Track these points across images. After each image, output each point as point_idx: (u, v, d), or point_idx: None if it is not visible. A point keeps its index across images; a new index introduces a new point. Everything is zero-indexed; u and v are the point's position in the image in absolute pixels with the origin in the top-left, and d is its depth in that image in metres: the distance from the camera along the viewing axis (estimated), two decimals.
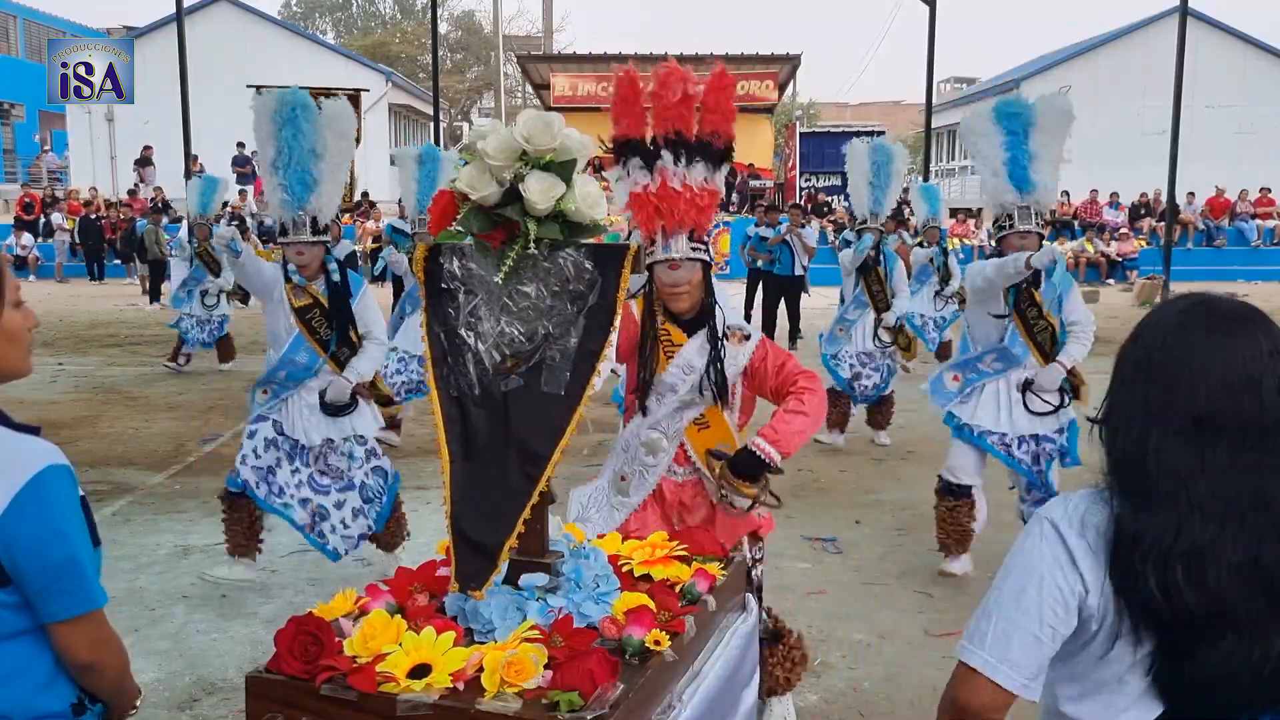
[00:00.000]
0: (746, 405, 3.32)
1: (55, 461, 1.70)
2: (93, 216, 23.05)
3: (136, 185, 25.48)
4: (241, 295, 12.93)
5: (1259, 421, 1.48)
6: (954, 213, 22.32)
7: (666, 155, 2.98)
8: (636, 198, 3.05)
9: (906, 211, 16.92)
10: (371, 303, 4.98)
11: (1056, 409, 4.91)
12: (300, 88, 4.78)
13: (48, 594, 1.68)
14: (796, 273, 12.88)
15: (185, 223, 11.95)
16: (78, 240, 22.80)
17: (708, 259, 3.17)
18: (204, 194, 10.41)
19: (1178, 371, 1.52)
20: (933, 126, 20.03)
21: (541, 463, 1.99)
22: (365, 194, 23.91)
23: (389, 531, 5.10)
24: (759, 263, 13.08)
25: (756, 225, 13.72)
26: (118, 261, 22.54)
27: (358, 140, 4.97)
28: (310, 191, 4.65)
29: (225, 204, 17.42)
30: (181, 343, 11.30)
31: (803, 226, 12.91)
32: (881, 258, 8.05)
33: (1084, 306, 4.98)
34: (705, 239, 3.16)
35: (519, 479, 1.99)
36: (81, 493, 1.76)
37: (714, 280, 3.27)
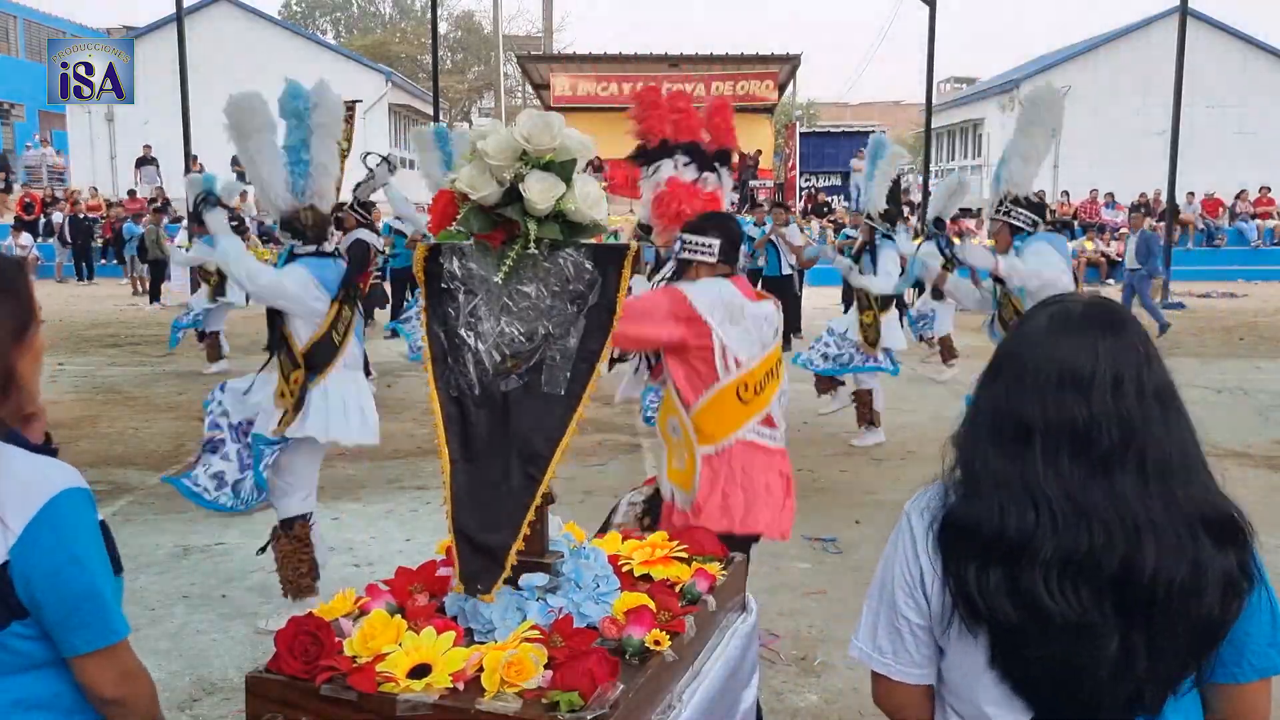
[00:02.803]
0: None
1: (72, 485, 1.61)
2: (81, 216, 23.01)
3: (89, 189, 25.27)
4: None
5: (1082, 424, 1.43)
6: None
7: (696, 163, 3.40)
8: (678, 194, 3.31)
9: (906, 210, 16.92)
10: (292, 268, 4.44)
11: None
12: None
13: (66, 626, 1.59)
14: (784, 272, 12.86)
15: (185, 222, 11.93)
16: (67, 238, 22.66)
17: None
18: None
19: (1013, 369, 1.51)
20: (933, 126, 20.05)
21: (542, 463, 1.99)
22: None
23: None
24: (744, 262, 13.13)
25: (755, 224, 13.77)
26: (116, 262, 22.53)
27: (348, 147, 4.91)
28: (307, 183, 4.51)
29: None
30: (203, 336, 11.04)
31: (785, 225, 12.91)
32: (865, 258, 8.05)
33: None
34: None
35: (521, 479, 1.99)
36: (101, 517, 1.67)
37: None
